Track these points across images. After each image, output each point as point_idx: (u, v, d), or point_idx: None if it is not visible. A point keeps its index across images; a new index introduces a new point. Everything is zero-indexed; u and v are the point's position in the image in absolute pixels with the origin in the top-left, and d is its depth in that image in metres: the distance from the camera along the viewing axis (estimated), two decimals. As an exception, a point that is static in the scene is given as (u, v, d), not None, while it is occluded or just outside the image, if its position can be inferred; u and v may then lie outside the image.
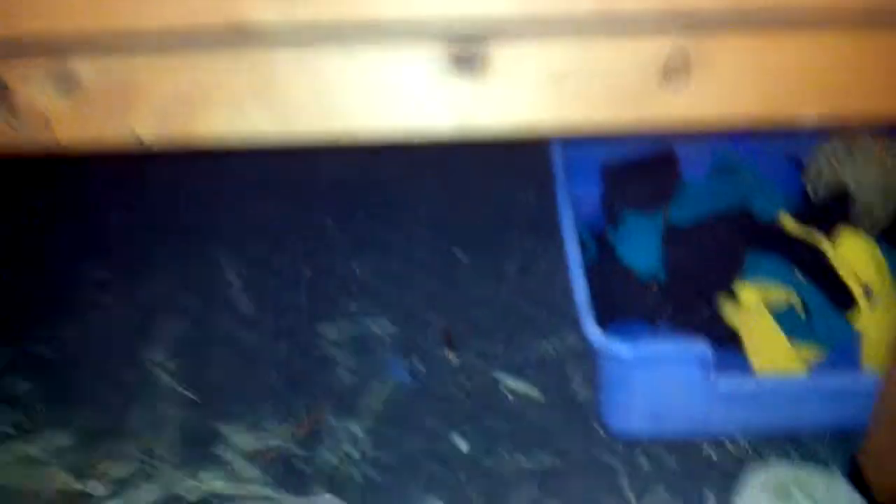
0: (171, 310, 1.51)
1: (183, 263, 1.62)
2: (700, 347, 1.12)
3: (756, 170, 1.60)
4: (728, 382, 1.16)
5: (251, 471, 1.24)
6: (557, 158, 1.48)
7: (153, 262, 1.62)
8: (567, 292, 1.49)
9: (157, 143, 0.91)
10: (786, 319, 1.37)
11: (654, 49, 0.73)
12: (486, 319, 1.49)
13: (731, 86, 0.75)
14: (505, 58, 0.78)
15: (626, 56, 0.74)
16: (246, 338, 1.47)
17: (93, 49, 0.87)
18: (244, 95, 0.87)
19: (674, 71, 0.77)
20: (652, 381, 1.17)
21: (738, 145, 1.64)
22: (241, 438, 1.29)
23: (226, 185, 1.81)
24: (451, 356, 1.42)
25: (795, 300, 1.39)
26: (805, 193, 1.58)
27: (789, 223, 1.48)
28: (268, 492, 1.21)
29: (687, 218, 1.51)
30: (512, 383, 1.37)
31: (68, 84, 0.88)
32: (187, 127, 0.89)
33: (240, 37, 0.82)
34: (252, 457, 1.26)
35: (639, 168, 1.61)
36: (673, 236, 1.48)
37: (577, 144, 1.57)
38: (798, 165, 1.62)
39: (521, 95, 0.81)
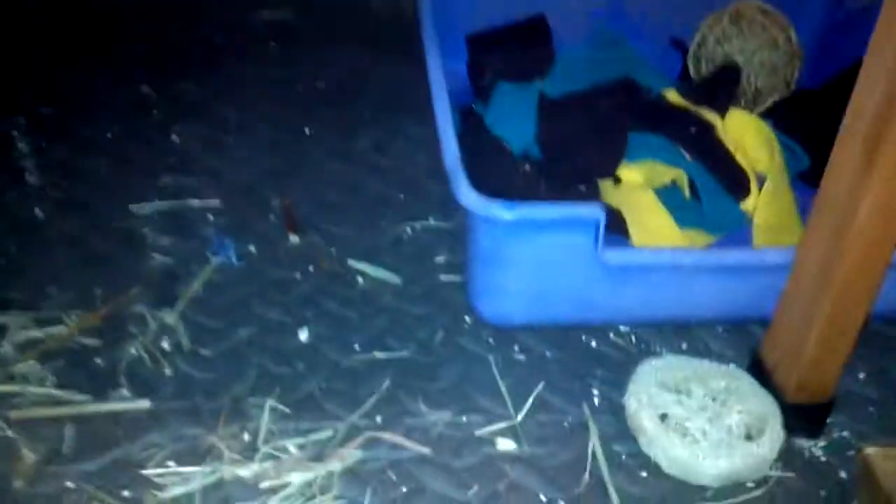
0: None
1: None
2: (591, 210, 0.94)
3: (637, 46, 1.43)
4: (618, 255, 0.99)
5: (30, 366, 0.96)
6: (428, 26, 1.26)
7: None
8: (428, 172, 1.29)
9: None
10: (672, 202, 1.21)
11: None
12: (335, 199, 1.26)
13: None
14: None
15: None
16: (32, 212, 1.18)
17: None
18: None
19: None
20: (532, 254, 0.98)
21: (617, 20, 1.47)
22: (18, 328, 1.01)
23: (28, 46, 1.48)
24: (291, 237, 1.19)
25: (682, 181, 1.24)
26: (688, 73, 1.44)
27: (675, 98, 1.33)
28: (50, 390, 0.94)
29: (563, 91, 1.32)
30: (364, 267, 1.15)
31: None
32: None
33: None
34: (31, 349, 0.98)
35: (508, 36, 1.41)
36: (549, 110, 1.30)
37: (440, 13, 1.34)
38: (681, 48, 1.47)
39: None
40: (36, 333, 1.00)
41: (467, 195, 0.93)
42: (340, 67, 1.52)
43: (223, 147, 1.33)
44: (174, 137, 1.34)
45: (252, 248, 1.16)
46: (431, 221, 1.23)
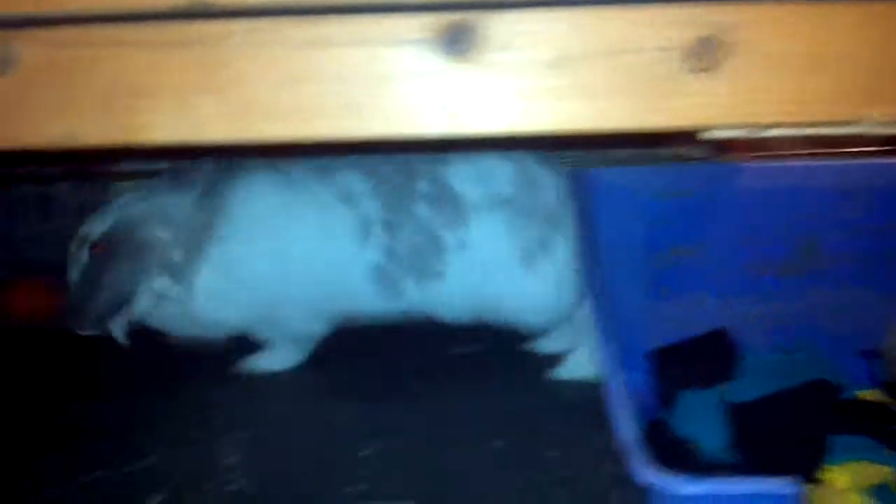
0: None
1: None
2: (787, 485, 0.89)
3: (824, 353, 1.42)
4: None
5: None
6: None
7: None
8: (614, 482, 1.27)
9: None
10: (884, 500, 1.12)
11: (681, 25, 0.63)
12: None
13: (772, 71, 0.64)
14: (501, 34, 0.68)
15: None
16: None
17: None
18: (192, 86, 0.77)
19: (704, 52, 0.66)
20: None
21: (804, 332, 1.47)
22: None
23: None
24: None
25: (893, 479, 1.15)
26: (878, 377, 1.39)
27: (874, 396, 1.27)
28: None
29: (751, 393, 1.31)
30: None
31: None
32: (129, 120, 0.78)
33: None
34: None
35: (690, 348, 1.44)
36: (740, 413, 1.28)
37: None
38: (868, 357, 1.44)
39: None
40: None
41: (647, 472, 0.91)
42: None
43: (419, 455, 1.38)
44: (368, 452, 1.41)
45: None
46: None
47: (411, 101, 0.75)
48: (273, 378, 1.70)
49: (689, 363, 1.39)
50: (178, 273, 1.59)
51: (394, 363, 1.73)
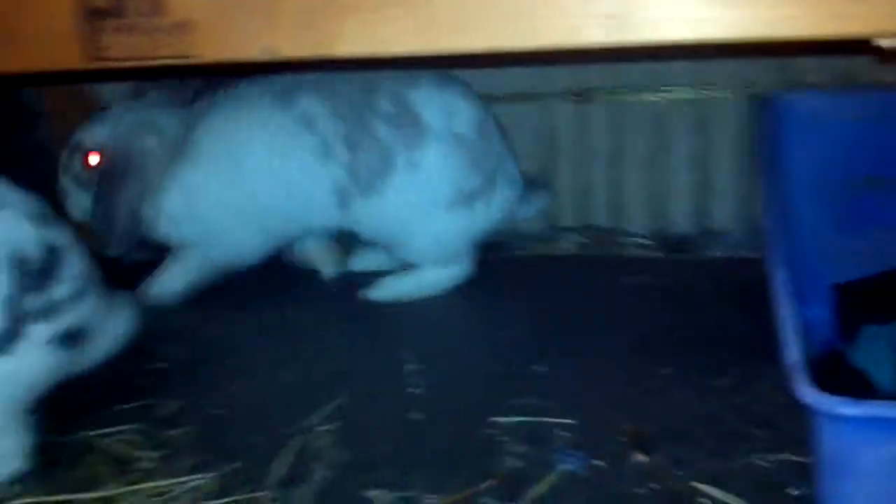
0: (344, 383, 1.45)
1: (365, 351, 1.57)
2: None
3: None
4: None
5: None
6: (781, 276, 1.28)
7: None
8: (786, 410, 1.26)
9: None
10: None
11: None
12: (687, 428, 1.27)
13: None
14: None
15: None
16: (411, 415, 1.35)
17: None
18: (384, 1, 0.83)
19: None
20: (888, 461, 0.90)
21: None
22: (385, 501, 1.13)
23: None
24: (639, 456, 1.21)
25: None
26: None
27: None
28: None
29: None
30: (710, 490, 1.12)
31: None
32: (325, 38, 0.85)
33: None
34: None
35: (877, 283, 1.38)
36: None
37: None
38: None
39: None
40: (398, 508, 1.12)
41: (808, 391, 0.91)
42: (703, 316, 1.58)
43: (586, 376, 1.42)
44: (538, 368, 1.47)
45: (598, 462, 1.20)
46: (788, 456, 1.18)
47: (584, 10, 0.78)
48: (445, 299, 1.78)
49: (872, 298, 1.34)
50: (151, 192, 1.70)
51: (564, 292, 1.77)
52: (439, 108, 1.67)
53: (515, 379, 1.44)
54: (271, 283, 1.86)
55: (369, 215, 1.70)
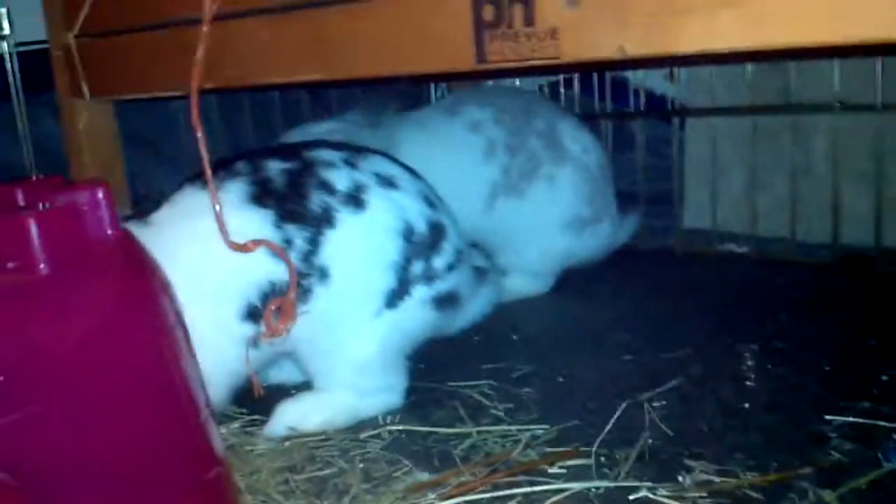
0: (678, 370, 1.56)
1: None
2: None
3: None
4: None
5: (703, 501, 1.16)
6: None
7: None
8: None
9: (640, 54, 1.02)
10: None
11: None
12: None
13: None
14: None
15: None
16: (739, 404, 1.42)
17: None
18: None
19: None
20: None
21: None
22: (700, 472, 1.22)
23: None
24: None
25: None
26: None
27: None
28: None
29: None
30: None
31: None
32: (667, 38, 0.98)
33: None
34: (704, 487, 1.18)
35: None
36: None
37: None
38: None
39: None
40: (713, 478, 1.20)
41: None
42: None
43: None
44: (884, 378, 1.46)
45: (931, 467, 1.18)
46: None
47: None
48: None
49: None
50: None
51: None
52: (578, 142, 2.05)
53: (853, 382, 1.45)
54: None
55: (506, 215, 1.98)
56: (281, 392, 1.58)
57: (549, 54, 1.09)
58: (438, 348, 1.64)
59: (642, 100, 2.53)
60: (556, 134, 2.03)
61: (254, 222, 1.36)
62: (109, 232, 0.97)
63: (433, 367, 1.65)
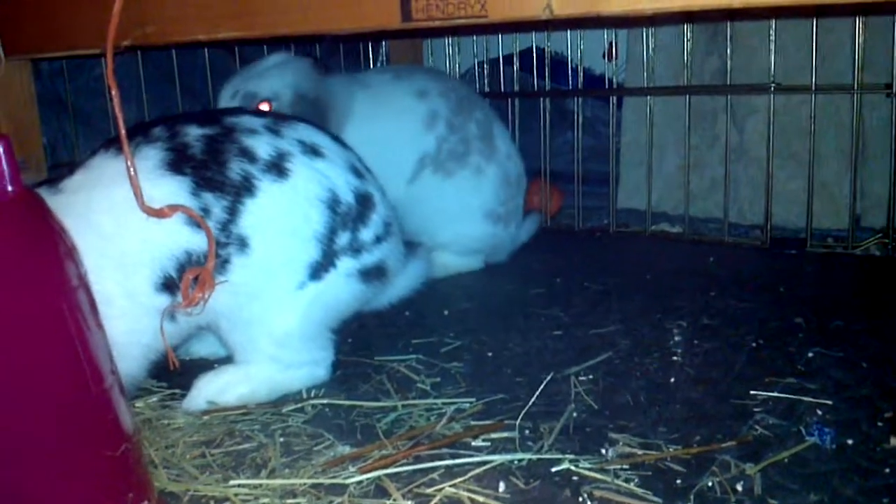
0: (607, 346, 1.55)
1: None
2: None
3: None
4: None
5: (624, 470, 1.14)
6: None
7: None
8: None
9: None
10: None
11: None
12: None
13: None
14: None
15: None
16: (664, 378, 1.41)
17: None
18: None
19: None
20: None
21: None
22: (624, 445, 1.21)
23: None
24: (893, 440, 1.17)
25: None
26: None
27: None
28: (633, 487, 1.10)
29: None
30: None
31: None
32: None
33: None
34: (627, 459, 1.17)
35: None
36: None
37: None
38: None
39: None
40: (636, 451, 1.19)
41: None
42: None
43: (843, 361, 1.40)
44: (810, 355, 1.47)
45: (849, 441, 1.19)
46: None
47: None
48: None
49: None
50: None
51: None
52: (506, 146, 2.13)
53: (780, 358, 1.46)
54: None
55: (426, 191, 2.00)
56: (203, 366, 1.53)
57: (476, 13, 1.06)
58: (368, 323, 1.60)
59: (580, 79, 2.51)
60: (491, 130, 2.09)
61: (170, 189, 1.31)
62: (10, 189, 0.91)
63: (362, 342, 1.62)
